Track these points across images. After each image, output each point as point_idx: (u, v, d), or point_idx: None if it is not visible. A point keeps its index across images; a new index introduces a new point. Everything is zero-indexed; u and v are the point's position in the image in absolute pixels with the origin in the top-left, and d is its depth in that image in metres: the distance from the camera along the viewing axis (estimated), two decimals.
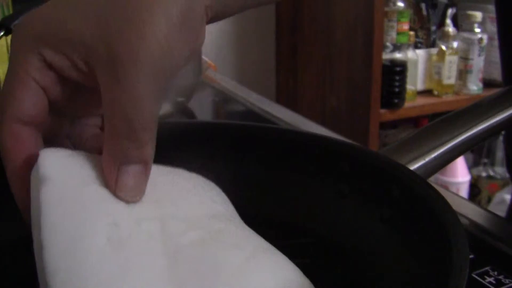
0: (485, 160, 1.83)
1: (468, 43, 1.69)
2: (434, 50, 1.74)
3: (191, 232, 0.31)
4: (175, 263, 0.29)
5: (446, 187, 1.57)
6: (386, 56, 1.59)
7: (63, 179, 0.30)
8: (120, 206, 0.30)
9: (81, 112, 0.34)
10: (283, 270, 0.32)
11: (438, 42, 1.78)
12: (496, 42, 1.80)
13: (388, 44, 1.60)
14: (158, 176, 0.35)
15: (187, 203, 0.34)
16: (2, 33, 0.67)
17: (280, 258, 0.33)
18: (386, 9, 1.57)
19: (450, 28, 1.72)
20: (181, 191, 0.35)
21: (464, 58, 1.70)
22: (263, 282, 0.30)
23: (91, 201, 0.29)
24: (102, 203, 0.30)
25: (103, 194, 0.30)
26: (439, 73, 1.70)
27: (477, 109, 0.44)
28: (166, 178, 0.36)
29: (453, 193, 0.50)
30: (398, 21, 1.61)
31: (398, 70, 1.59)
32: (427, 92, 1.74)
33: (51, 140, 0.32)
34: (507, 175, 1.77)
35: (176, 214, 0.32)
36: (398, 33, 1.61)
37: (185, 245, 0.30)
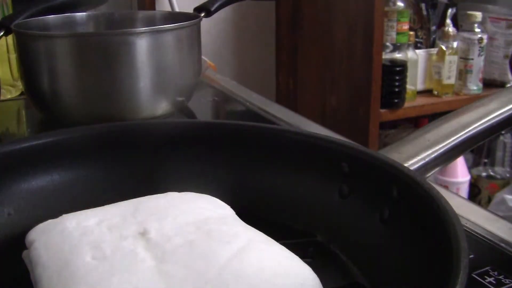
0: (485, 160, 1.83)
1: (468, 43, 1.69)
2: (434, 50, 1.74)
3: (177, 238, 0.32)
4: (163, 262, 0.30)
5: (446, 187, 1.57)
6: (386, 56, 1.59)
7: (45, 239, 0.34)
8: (100, 234, 0.32)
9: None
10: (282, 259, 0.32)
11: (438, 42, 1.78)
12: (496, 42, 1.80)
13: (388, 44, 1.60)
14: (140, 203, 0.36)
15: (172, 217, 0.35)
16: (2, 33, 0.67)
17: (278, 248, 0.33)
18: (386, 9, 1.57)
19: (450, 28, 1.72)
20: (166, 209, 0.36)
21: (464, 58, 1.70)
22: (259, 270, 0.30)
23: (71, 237, 0.33)
24: (82, 236, 0.33)
25: (81, 231, 0.33)
26: (439, 73, 1.70)
27: (477, 109, 0.44)
28: (150, 203, 0.37)
29: (453, 193, 0.50)
30: (398, 21, 1.61)
31: (398, 70, 1.59)
32: (427, 92, 1.74)
33: None
34: (507, 175, 1.77)
35: (159, 228, 0.33)
36: (398, 33, 1.61)
37: (172, 248, 0.31)
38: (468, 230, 0.43)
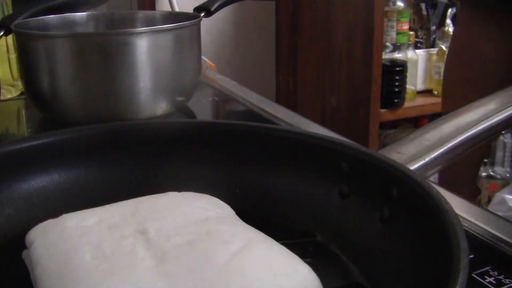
0: (485, 160, 1.82)
1: None
2: (434, 50, 1.74)
3: (176, 238, 0.32)
4: (163, 262, 0.30)
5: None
6: (386, 56, 1.59)
7: (45, 238, 0.34)
8: (100, 234, 0.32)
9: None
10: (281, 258, 0.32)
11: (438, 42, 1.78)
12: None
13: (388, 44, 1.60)
14: (140, 203, 0.36)
15: (172, 216, 0.35)
16: (2, 33, 0.67)
17: (278, 248, 0.33)
18: (386, 9, 1.57)
19: (450, 28, 1.72)
20: (166, 209, 0.36)
21: None
22: (259, 269, 0.30)
23: (71, 237, 0.33)
24: (82, 236, 0.33)
25: (81, 231, 0.33)
26: (439, 73, 1.70)
27: (477, 109, 0.44)
28: (150, 203, 0.37)
29: (453, 193, 0.50)
30: (398, 21, 1.61)
31: (398, 70, 1.59)
32: (427, 92, 1.74)
33: None
34: (507, 175, 1.77)
35: (159, 227, 0.33)
36: (398, 33, 1.61)
37: (171, 248, 0.31)
38: (468, 230, 0.43)
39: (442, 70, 1.69)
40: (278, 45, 1.85)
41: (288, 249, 0.33)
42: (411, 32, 1.67)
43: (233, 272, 0.29)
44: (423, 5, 1.82)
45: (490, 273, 0.38)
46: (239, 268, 0.30)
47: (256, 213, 0.41)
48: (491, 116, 0.43)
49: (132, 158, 0.45)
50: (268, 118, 0.73)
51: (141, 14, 0.81)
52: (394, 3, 1.62)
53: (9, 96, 0.82)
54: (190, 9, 0.76)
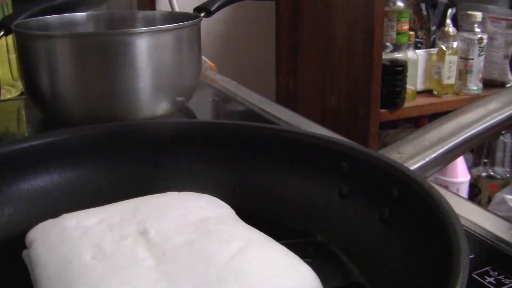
0: (485, 160, 1.82)
1: (468, 43, 1.69)
2: (434, 50, 1.74)
3: (177, 238, 0.32)
4: (163, 262, 0.30)
5: (446, 187, 1.57)
6: (386, 56, 1.59)
7: (45, 238, 0.34)
8: (100, 234, 0.32)
9: None
10: (281, 258, 0.32)
11: (438, 42, 1.78)
12: (496, 42, 1.80)
13: (388, 44, 1.60)
14: (140, 203, 0.36)
15: (172, 216, 0.35)
16: (2, 33, 0.67)
17: (278, 248, 0.33)
18: (386, 9, 1.57)
19: (450, 28, 1.72)
20: (166, 209, 0.36)
21: (464, 58, 1.70)
22: (259, 269, 0.30)
23: (71, 237, 0.33)
24: (82, 236, 0.33)
25: (81, 230, 0.33)
26: (439, 73, 1.70)
27: (477, 109, 0.44)
28: (150, 202, 0.37)
29: (453, 193, 0.50)
30: (398, 21, 1.61)
31: (398, 70, 1.59)
32: (427, 92, 1.74)
33: None
34: (507, 175, 1.77)
35: (159, 227, 0.33)
36: (398, 33, 1.61)
37: (172, 248, 0.31)
38: (468, 230, 0.43)
39: (442, 70, 1.69)
40: (278, 45, 1.85)
41: (288, 249, 0.33)
42: (411, 32, 1.66)
43: (233, 272, 0.29)
44: (423, 5, 1.82)
45: (490, 273, 0.38)
46: (239, 268, 0.30)
47: (256, 213, 0.41)
48: (491, 116, 0.43)
49: (132, 158, 0.45)
50: (268, 118, 0.73)
51: (141, 14, 0.81)
52: (394, 3, 1.62)
53: (9, 96, 0.82)
54: (190, 9, 0.76)
